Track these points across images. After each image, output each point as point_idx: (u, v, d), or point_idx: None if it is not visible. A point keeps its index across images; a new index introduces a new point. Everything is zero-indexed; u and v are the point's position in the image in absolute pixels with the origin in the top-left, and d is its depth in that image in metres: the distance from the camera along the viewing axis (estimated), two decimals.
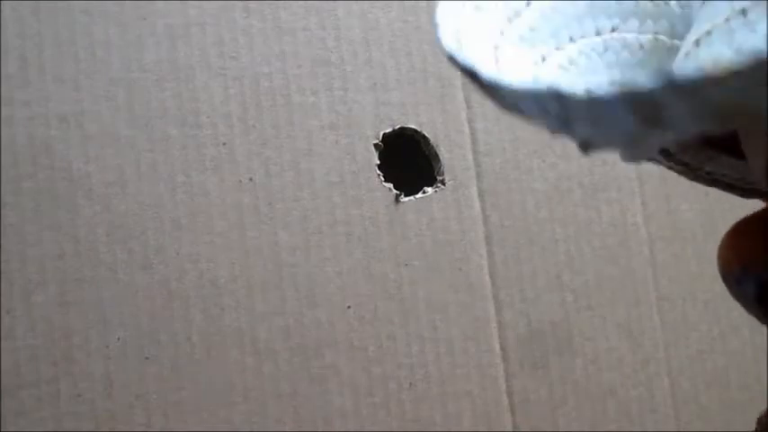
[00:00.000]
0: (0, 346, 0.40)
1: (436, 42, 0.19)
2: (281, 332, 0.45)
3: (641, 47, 0.24)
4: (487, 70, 0.17)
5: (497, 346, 0.48)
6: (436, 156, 0.49)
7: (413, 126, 0.49)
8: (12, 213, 0.41)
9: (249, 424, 0.44)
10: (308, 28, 0.48)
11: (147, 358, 0.42)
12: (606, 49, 0.23)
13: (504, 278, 0.49)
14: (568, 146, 0.51)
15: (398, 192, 0.48)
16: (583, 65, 0.23)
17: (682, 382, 0.52)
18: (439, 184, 0.49)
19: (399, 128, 0.49)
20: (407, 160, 0.49)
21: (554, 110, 0.16)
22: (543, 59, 0.22)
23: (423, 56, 0.50)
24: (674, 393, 0.51)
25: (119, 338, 0.42)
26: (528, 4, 0.22)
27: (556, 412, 0.49)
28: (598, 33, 0.23)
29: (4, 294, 0.41)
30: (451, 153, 0.49)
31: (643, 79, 0.14)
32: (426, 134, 0.49)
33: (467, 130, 0.50)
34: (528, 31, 0.22)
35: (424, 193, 0.49)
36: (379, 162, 0.48)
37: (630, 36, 0.24)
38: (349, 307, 0.46)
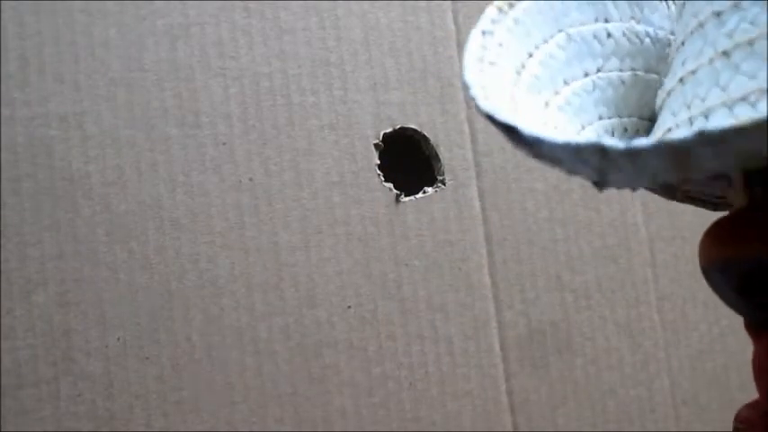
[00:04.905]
0: (0, 346, 0.40)
1: (470, 100, 0.21)
2: (281, 332, 0.45)
3: (623, 82, 0.27)
4: (529, 128, 0.20)
5: (497, 346, 0.48)
6: (436, 156, 0.49)
7: (413, 126, 0.49)
8: (12, 213, 0.41)
9: (249, 424, 0.44)
10: (308, 28, 0.48)
11: (147, 358, 0.42)
12: (594, 88, 0.27)
13: (504, 278, 0.49)
14: None
15: (398, 192, 0.48)
16: (576, 104, 0.26)
17: (682, 382, 0.52)
18: (439, 184, 0.49)
19: (399, 128, 0.49)
20: (407, 160, 0.49)
21: (593, 161, 0.19)
22: (546, 105, 0.25)
23: (423, 56, 0.50)
24: (674, 393, 0.51)
25: (119, 338, 0.42)
26: (530, 55, 0.25)
27: (556, 412, 0.49)
28: (586, 74, 0.27)
29: (4, 294, 0.41)
30: (451, 153, 0.49)
31: (679, 132, 0.17)
32: (426, 134, 0.49)
33: (467, 130, 0.50)
34: (534, 79, 0.25)
35: (424, 193, 0.49)
36: (379, 162, 0.48)
37: (613, 74, 0.27)
38: (349, 307, 0.46)
